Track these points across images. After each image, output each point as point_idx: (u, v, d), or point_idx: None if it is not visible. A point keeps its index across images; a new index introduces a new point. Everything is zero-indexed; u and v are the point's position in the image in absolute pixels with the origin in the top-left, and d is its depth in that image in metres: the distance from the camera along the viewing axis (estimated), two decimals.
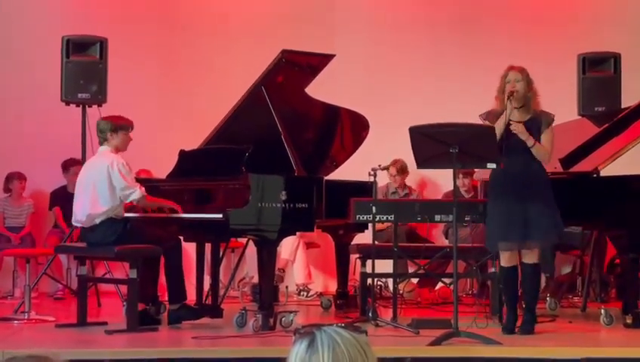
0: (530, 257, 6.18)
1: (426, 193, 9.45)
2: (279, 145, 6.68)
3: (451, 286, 6.48)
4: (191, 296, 6.94)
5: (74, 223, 6.78)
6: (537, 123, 6.14)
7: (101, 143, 6.62)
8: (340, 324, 2.28)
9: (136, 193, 6.47)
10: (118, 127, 6.55)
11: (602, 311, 6.64)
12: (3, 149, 9.03)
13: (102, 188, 6.43)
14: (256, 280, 7.56)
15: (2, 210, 9.05)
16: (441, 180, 9.07)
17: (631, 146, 6.66)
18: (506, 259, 6.23)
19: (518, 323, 6.20)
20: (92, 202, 6.46)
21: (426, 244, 7.81)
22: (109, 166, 6.41)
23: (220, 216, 6.22)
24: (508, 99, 6.03)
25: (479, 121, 6.19)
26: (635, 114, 6.86)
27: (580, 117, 8.21)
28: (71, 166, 8.89)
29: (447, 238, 8.82)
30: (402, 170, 8.83)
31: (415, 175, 9.11)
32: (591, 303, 7.56)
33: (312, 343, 2.21)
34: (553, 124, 6.16)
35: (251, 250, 7.09)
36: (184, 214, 6.62)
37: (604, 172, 6.77)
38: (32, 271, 7.61)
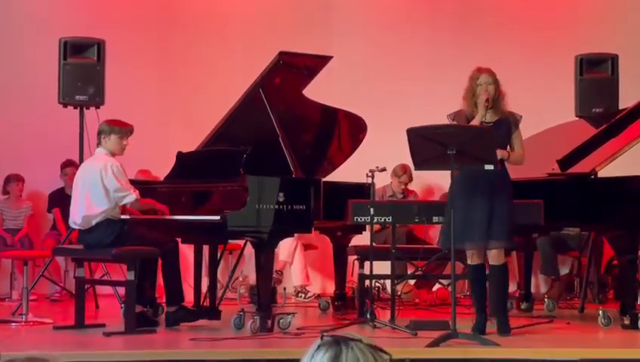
0: (495, 258, 6.14)
1: (431, 196, 9.41)
2: (277, 146, 6.67)
3: (449, 288, 6.48)
4: (189, 298, 6.94)
5: (71, 225, 6.78)
6: (507, 124, 6.16)
7: (98, 145, 6.64)
8: (366, 342, 2.24)
9: (130, 196, 6.47)
10: (111, 130, 6.54)
11: (600, 312, 6.64)
12: (1, 151, 9.02)
13: (96, 191, 6.42)
14: (251, 279, 7.55)
15: (0, 212, 9.04)
16: (446, 183, 9.03)
17: (628, 147, 6.65)
18: (470, 257, 6.21)
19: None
20: (87, 204, 6.46)
21: (424, 246, 7.81)
22: (102, 168, 6.40)
23: (218, 217, 6.21)
24: (485, 106, 6.04)
25: (449, 121, 6.17)
26: (632, 115, 6.87)
27: (577, 118, 8.21)
28: (66, 167, 8.89)
29: None
30: (410, 177, 8.81)
31: (420, 177, 9.07)
32: (589, 304, 7.58)
33: (337, 359, 2.21)
34: (520, 124, 6.17)
35: (249, 252, 7.09)
36: (181, 216, 6.62)
37: (602, 173, 6.78)
38: (30, 273, 7.59)
